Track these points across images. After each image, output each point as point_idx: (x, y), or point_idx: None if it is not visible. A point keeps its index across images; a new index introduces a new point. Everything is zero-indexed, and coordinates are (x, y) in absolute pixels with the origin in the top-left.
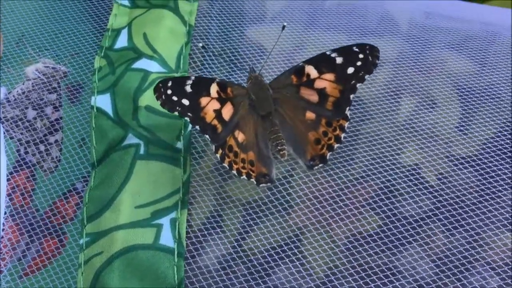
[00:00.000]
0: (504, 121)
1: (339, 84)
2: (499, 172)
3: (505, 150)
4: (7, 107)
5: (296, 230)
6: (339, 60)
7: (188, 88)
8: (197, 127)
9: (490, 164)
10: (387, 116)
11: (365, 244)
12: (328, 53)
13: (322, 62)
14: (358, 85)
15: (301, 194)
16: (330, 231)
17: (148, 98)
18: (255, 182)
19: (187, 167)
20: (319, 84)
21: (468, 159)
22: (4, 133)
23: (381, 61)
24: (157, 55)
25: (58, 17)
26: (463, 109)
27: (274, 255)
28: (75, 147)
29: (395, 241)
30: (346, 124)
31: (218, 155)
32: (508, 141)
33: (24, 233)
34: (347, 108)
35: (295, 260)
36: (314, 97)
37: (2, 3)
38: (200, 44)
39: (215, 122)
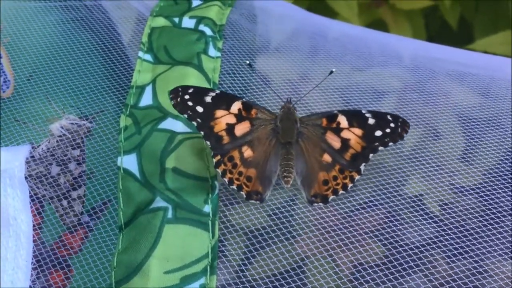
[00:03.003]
0: (506, 151)
1: (364, 141)
2: (502, 201)
3: (508, 179)
4: (31, 164)
5: (300, 259)
6: (371, 121)
7: (208, 99)
8: (202, 132)
9: (492, 193)
10: (391, 146)
11: (370, 272)
12: (363, 111)
13: (355, 116)
14: (380, 148)
15: (305, 222)
16: (335, 259)
17: (175, 160)
18: (244, 196)
19: (215, 231)
20: (345, 134)
21: (471, 189)
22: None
23: (385, 91)
24: None
25: (82, 72)
26: (466, 140)
27: (278, 284)
28: (90, 178)
29: (400, 269)
30: (357, 177)
31: (214, 160)
32: (509, 170)
33: (32, 267)
34: (363, 164)
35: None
36: (336, 144)
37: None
38: (247, 62)
39: (223, 133)
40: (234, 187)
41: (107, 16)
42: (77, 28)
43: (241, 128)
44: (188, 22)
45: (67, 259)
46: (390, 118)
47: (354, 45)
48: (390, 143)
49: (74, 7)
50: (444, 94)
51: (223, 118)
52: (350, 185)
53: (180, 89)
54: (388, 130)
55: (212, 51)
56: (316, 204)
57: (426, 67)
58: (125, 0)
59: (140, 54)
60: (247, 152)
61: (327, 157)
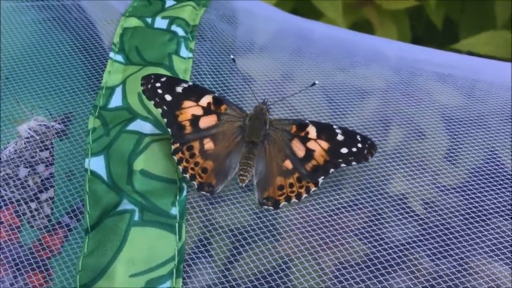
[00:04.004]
0: (490, 149)
1: (328, 155)
2: (485, 200)
3: (492, 179)
4: None
5: (283, 257)
6: (340, 137)
7: (179, 89)
8: (165, 119)
9: (476, 193)
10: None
11: (352, 272)
12: (334, 126)
13: (325, 129)
14: (342, 165)
15: (289, 222)
16: (318, 258)
17: (142, 162)
18: (196, 186)
19: (182, 234)
20: (311, 145)
21: (455, 188)
22: None
23: (369, 91)
24: (152, 116)
25: (52, 74)
26: (450, 140)
27: (262, 283)
28: (64, 180)
29: (383, 268)
30: (313, 189)
31: (172, 147)
32: (494, 169)
33: (9, 268)
34: (322, 178)
35: None
36: (300, 152)
37: None
38: (231, 56)
39: (187, 123)
40: (188, 176)
41: (85, 16)
42: (53, 28)
43: (207, 121)
44: (160, 23)
45: (47, 261)
46: (359, 138)
47: (338, 46)
48: (354, 163)
49: (51, 7)
50: (427, 94)
51: (190, 109)
52: (304, 195)
53: (152, 76)
54: (354, 149)
55: (184, 52)
56: (266, 207)
57: (410, 68)
58: (105, 1)
59: (111, 54)
60: (208, 144)
61: (288, 164)
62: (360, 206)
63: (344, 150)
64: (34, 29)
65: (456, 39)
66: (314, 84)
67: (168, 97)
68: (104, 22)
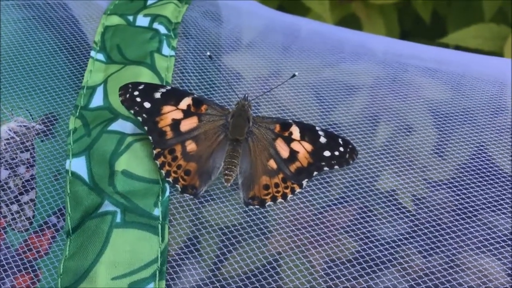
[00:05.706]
0: (478, 144)
1: (311, 157)
2: (475, 195)
3: (480, 173)
4: None
5: (274, 255)
6: (322, 140)
7: (157, 95)
8: (146, 127)
9: (465, 187)
10: (364, 142)
11: (342, 269)
12: (317, 128)
13: (308, 131)
14: (325, 168)
15: (278, 219)
16: (308, 256)
17: (124, 162)
18: (180, 189)
19: (165, 235)
20: (295, 146)
21: (444, 183)
22: None
23: (357, 86)
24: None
25: (33, 74)
26: (439, 134)
27: (252, 281)
28: (49, 180)
29: (373, 265)
30: (298, 190)
31: (154, 152)
32: (483, 163)
33: None
34: (306, 180)
35: (274, 286)
36: (285, 153)
37: None
38: (208, 53)
39: (167, 128)
40: (170, 179)
41: (70, 14)
42: (34, 27)
43: (187, 124)
44: (142, 21)
45: (30, 260)
46: (341, 142)
47: (325, 42)
48: (336, 167)
49: (34, 6)
50: (415, 90)
51: (170, 114)
52: (289, 195)
53: (130, 85)
54: (336, 153)
55: (166, 50)
56: (252, 206)
57: (397, 63)
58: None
59: (92, 53)
60: (191, 146)
61: (272, 163)
62: (350, 202)
63: (327, 153)
64: (14, 28)
65: (444, 33)
66: (294, 75)
67: (147, 105)
68: (85, 21)
